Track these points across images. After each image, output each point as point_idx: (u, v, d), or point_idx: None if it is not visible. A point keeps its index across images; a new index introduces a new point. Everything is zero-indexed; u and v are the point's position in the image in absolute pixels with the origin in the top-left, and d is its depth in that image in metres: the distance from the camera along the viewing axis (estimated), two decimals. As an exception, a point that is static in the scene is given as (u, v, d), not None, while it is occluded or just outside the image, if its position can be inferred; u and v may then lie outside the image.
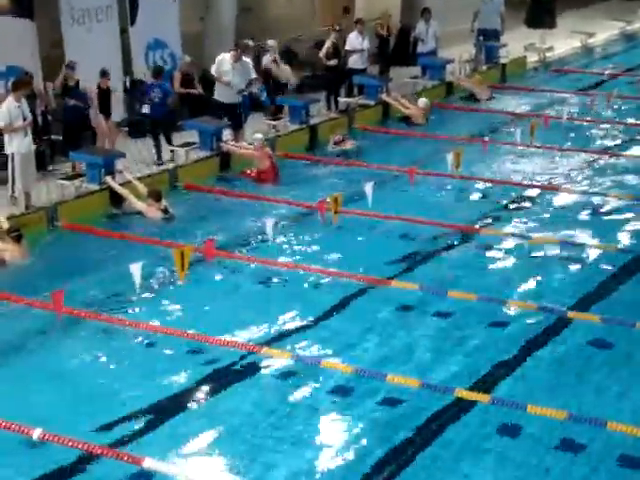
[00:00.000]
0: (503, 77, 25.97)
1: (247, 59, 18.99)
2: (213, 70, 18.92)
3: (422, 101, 21.46)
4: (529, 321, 11.80)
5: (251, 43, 19.47)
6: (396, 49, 24.80)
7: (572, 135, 20.33)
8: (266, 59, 20.81)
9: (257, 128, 19.90)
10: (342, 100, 22.08)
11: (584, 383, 10.45)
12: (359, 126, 20.35)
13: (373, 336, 11.48)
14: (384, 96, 21.75)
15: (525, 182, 17.20)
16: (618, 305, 12.25)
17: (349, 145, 19.09)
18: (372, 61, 23.41)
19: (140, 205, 15.12)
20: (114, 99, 17.91)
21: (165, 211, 15.00)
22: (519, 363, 10.83)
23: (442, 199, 16.57)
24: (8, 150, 15.11)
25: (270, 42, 20.96)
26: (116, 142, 18.08)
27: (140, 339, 11.25)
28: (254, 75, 19.02)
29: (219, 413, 9.81)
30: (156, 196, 15.05)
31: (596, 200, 16.20)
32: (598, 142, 20.11)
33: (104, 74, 17.50)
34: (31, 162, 15.50)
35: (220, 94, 18.83)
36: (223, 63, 18.72)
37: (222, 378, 10.46)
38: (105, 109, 17.63)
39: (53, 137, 17.52)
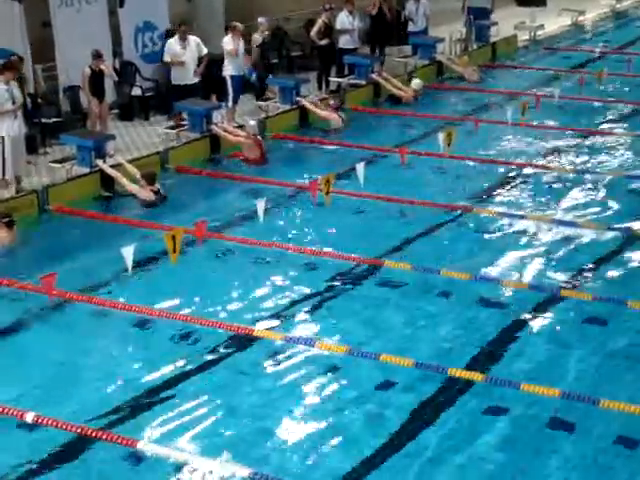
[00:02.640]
0: (494, 56, 25.91)
1: (194, 37, 19.01)
2: (165, 57, 19.07)
3: (416, 82, 21.40)
4: (522, 299, 11.81)
5: (240, 25, 19.37)
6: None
7: (563, 113, 20.31)
8: (256, 37, 20.70)
9: (247, 109, 19.91)
10: (333, 80, 22.02)
11: (576, 361, 10.47)
12: (350, 106, 20.28)
13: (367, 316, 11.48)
14: (375, 76, 21.67)
15: (517, 161, 17.19)
16: (610, 283, 12.28)
17: (339, 121, 19.00)
18: (363, 40, 23.39)
19: (132, 187, 15.07)
20: (105, 81, 17.78)
21: (157, 193, 14.95)
22: (512, 342, 10.85)
23: (434, 179, 16.56)
24: (-2, 133, 15.06)
25: (260, 19, 20.85)
26: (107, 125, 17.99)
27: (132, 321, 11.23)
28: (205, 51, 19.00)
29: (213, 395, 9.79)
30: (149, 178, 15.00)
31: (588, 178, 16.20)
32: (589, 120, 20.08)
33: (98, 55, 17.36)
34: (21, 145, 15.44)
35: (176, 77, 18.94)
36: (172, 46, 18.86)
37: (215, 360, 10.45)
38: (98, 91, 17.50)
39: (43, 120, 17.44)
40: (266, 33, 20.71)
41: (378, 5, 23.67)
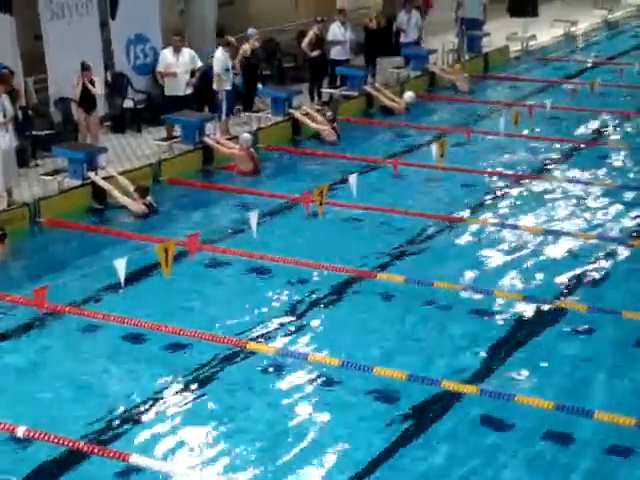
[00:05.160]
0: (486, 66, 25.94)
1: (189, 49, 19.04)
2: (158, 67, 19.09)
3: (409, 95, 21.39)
4: (515, 311, 11.78)
5: (232, 39, 19.33)
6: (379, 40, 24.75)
7: (556, 124, 20.32)
8: (244, 47, 20.61)
9: (238, 121, 19.88)
10: (325, 91, 22.02)
11: (571, 372, 10.44)
12: (342, 117, 20.26)
13: (359, 328, 11.45)
14: (367, 87, 21.67)
15: (509, 171, 17.19)
16: (604, 293, 12.26)
17: (333, 135, 19.00)
18: (355, 52, 23.42)
19: (124, 200, 15.03)
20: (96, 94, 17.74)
21: (149, 206, 14.91)
22: (506, 354, 10.82)
23: (427, 189, 16.55)
24: (-11, 146, 15.01)
25: (250, 30, 20.79)
26: (98, 137, 17.92)
27: (124, 334, 11.17)
28: (199, 64, 19.00)
29: (205, 409, 9.76)
30: (142, 192, 14.97)
31: (581, 188, 16.21)
32: (582, 131, 20.11)
33: (85, 68, 17.34)
34: (12, 158, 15.40)
35: (169, 88, 18.96)
36: (165, 57, 18.89)
37: (208, 373, 10.40)
38: (86, 104, 17.47)
39: (34, 133, 17.41)
40: (256, 44, 20.63)
41: (378, 20, 23.78)
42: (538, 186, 16.44)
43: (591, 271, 12.96)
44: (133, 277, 12.35)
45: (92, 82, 17.37)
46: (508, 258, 13.42)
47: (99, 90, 17.78)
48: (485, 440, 9.22)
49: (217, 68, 18.78)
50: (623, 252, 13.59)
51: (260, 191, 15.94)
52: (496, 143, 18.82)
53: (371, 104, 21.64)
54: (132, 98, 19.59)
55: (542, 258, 13.41)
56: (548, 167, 17.61)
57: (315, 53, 21.73)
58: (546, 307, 11.83)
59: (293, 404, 9.83)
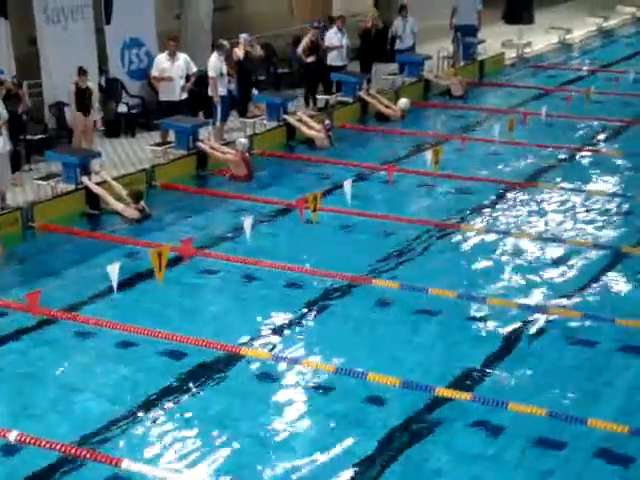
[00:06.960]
0: (481, 73, 25.92)
1: (184, 54, 18.95)
2: (153, 72, 19.00)
3: (403, 102, 21.38)
4: (509, 318, 11.75)
5: (226, 42, 19.29)
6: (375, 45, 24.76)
7: (551, 131, 20.32)
8: (238, 51, 20.54)
9: (232, 126, 19.86)
10: (320, 97, 22.00)
11: (564, 380, 10.42)
12: (337, 123, 20.24)
13: (354, 335, 11.43)
14: (362, 93, 21.66)
15: (504, 179, 17.17)
16: (598, 300, 12.25)
17: (326, 142, 18.99)
18: (351, 57, 23.43)
19: (117, 205, 15.00)
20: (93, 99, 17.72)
21: (142, 211, 14.88)
22: (499, 361, 10.79)
23: (421, 196, 16.54)
24: (-18, 150, 14.98)
25: (243, 35, 20.72)
26: (92, 142, 17.89)
27: (117, 340, 11.13)
28: (194, 69, 18.94)
29: (198, 414, 9.72)
30: (135, 197, 14.94)
31: (574, 196, 16.20)
32: (576, 138, 20.10)
33: (82, 72, 17.32)
34: (6, 162, 15.37)
35: (163, 94, 18.87)
36: (160, 62, 18.80)
37: (201, 379, 10.36)
38: (82, 107, 17.44)
39: (29, 137, 17.38)
40: (257, 49, 20.65)
41: (372, 22, 23.79)
42: (533, 193, 16.42)
43: (585, 278, 12.93)
44: (126, 282, 12.33)
45: (88, 89, 17.32)
46: (503, 265, 13.40)
47: (95, 102, 17.78)
48: (478, 447, 9.20)
49: (212, 72, 18.72)
50: (617, 259, 13.57)
51: (254, 197, 15.91)
52: (491, 150, 18.82)
53: (366, 110, 21.61)
54: (126, 103, 19.58)
55: (537, 265, 13.39)
56: (543, 174, 17.59)
57: (310, 59, 21.71)
58: (540, 314, 11.80)
59: (287, 410, 9.81)
